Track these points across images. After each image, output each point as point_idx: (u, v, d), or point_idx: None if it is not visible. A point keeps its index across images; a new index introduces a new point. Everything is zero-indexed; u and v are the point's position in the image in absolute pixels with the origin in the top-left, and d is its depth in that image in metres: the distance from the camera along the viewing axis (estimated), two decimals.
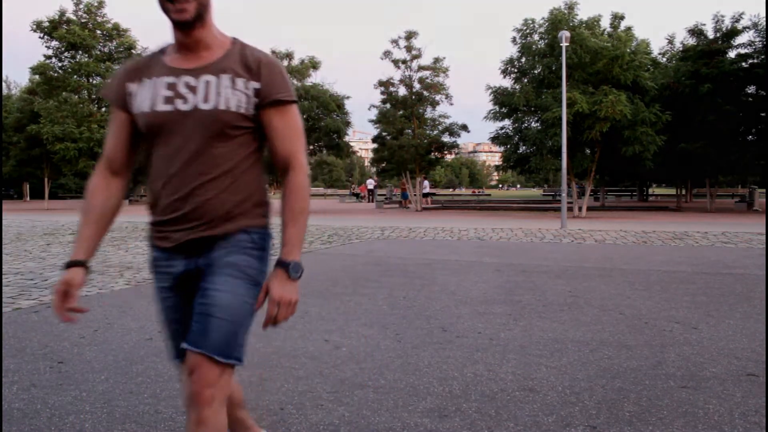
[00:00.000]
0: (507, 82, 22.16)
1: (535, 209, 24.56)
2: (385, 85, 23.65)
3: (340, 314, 4.62)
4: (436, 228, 13.56)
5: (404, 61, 23.21)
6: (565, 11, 19.36)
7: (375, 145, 25.16)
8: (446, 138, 23.84)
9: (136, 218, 15.76)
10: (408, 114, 23.62)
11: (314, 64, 22.77)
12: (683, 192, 30.12)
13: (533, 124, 20.97)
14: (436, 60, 23.30)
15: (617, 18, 20.05)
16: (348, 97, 23.16)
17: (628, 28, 19.69)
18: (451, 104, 23.72)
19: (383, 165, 25.33)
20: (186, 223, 1.53)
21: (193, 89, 1.51)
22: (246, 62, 1.54)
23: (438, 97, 23.40)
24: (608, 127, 17.56)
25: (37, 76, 26.80)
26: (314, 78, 22.91)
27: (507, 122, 21.76)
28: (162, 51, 1.61)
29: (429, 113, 23.91)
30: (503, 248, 9.55)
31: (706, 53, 20.79)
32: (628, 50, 18.05)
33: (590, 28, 19.02)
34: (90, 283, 6.10)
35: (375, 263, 7.70)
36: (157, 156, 1.55)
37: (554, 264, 7.50)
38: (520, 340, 3.86)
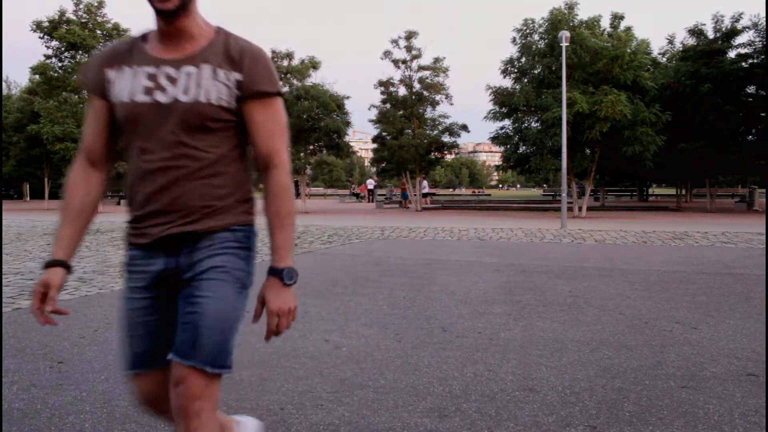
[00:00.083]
0: (507, 82, 22.16)
1: (535, 209, 24.56)
2: (385, 85, 23.65)
3: (340, 314, 4.62)
4: (436, 228, 13.56)
5: (404, 61, 23.21)
6: (565, 11, 19.36)
7: (375, 145, 25.15)
8: (446, 138, 23.83)
9: None
10: (408, 114, 23.62)
11: (314, 64, 22.72)
12: (683, 192, 30.12)
13: (533, 124, 20.97)
14: (436, 60, 23.30)
15: (617, 18, 20.06)
16: (348, 97, 23.12)
17: (628, 28, 19.69)
18: (451, 104, 23.74)
19: (383, 165, 25.31)
20: (164, 216, 1.46)
21: (173, 81, 1.45)
22: (229, 52, 1.47)
23: (438, 97, 23.40)
24: (608, 127, 17.56)
25: (37, 76, 26.79)
26: (314, 78, 22.85)
27: (507, 122, 21.78)
28: (143, 37, 1.53)
29: (429, 113, 23.92)
30: (503, 248, 9.55)
31: (706, 53, 20.80)
32: (628, 50, 18.05)
33: (590, 28, 19.02)
34: (90, 283, 6.10)
35: (375, 263, 7.70)
36: (134, 149, 1.47)
37: (554, 264, 7.50)
38: (520, 340, 3.86)
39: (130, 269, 1.54)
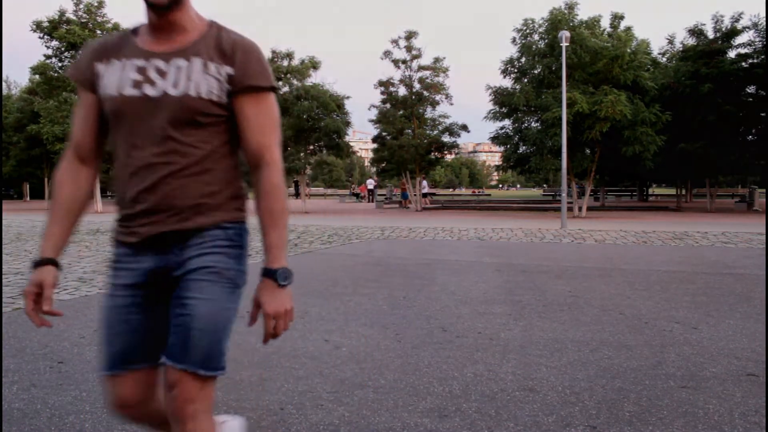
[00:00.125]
0: (507, 82, 22.17)
1: (535, 209, 24.56)
2: (385, 85, 23.66)
3: (340, 314, 4.62)
4: (436, 228, 13.56)
5: (404, 61, 23.22)
6: (565, 11, 19.36)
7: (375, 145, 25.16)
8: (446, 138, 23.84)
9: None
10: (408, 114, 23.62)
11: (314, 64, 22.72)
12: (683, 192, 30.12)
13: (533, 124, 20.98)
14: (436, 60, 23.31)
15: (617, 18, 20.06)
16: (348, 97, 23.13)
17: (628, 28, 19.70)
18: (451, 104, 23.75)
19: (383, 165, 25.32)
20: (153, 215, 1.42)
21: (162, 74, 1.41)
22: (221, 46, 1.43)
23: (438, 97, 23.41)
24: (608, 127, 17.57)
25: (37, 76, 26.79)
26: (314, 78, 22.86)
27: (507, 122, 21.78)
28: (134, 31, 1.50)
29: (429, 113, 23.93)
30: (503, 248, 9.55)
31: (706, 53, 20.81)
32: (628, 50, 18.06)
33: (590, 28, 19.02)
34: (90, 283, 6.10)
35: (375, 263, 7.69)
36: (123, 144, 1.43)
37: (554, 264, 7.50)
38: (520, 340, 3.86)
39: (116, 266, 1.50)
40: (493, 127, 62.82)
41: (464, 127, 23.81)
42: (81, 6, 25.31)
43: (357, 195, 42.08)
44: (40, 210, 25.02)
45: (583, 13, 21.43)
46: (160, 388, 1.51)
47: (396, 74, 27.20)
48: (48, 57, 25.23)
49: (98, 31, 25.36)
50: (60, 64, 25.39)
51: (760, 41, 20.39)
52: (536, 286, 5.92)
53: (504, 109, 20.86)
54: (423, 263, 7.65)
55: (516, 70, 20.92)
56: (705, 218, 17.20)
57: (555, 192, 36.76)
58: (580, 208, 19.36)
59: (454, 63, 24.65)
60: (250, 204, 1.52)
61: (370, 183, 37.85)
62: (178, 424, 1.39)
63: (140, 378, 1.50)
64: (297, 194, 37.30)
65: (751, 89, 21.34)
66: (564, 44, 15.08)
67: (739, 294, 5.42)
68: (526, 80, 20.79)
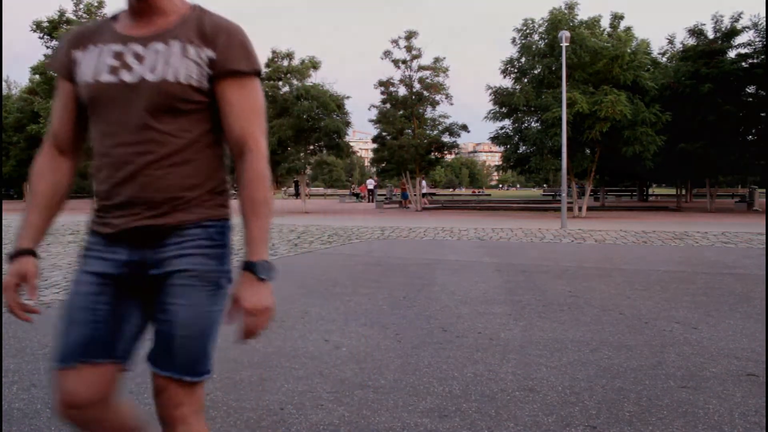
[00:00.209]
0: (507, 82, 22.17)
1: (535, 209, 24.56)
2: (385, 85, 23.66)
3: (340, 314, 4.63)
4: (436, 228, 13.56)
5: (404, 61, 23.22)
6: (565, 11, 19.36)
7: (375, 145, 25.16)
8: (446, 138, 23.85)
9: None
10: (408, 114, 23.62)
11: (314, 64, 22.73)
12: (683, 192, 30.11)
13: (533, 124, 20.98)
14: (436, 60, 23.32)
15: (617, 18, 20.06)
16: (348, 97, 23.13)
17: (628, 28, 19.70)
18: (451, 104, 23.75)
19: (383, 165, 25.32)
20: (129, 208, 1.34)
21: (140, 58, 1.34)
22: (202, 29, 1.36)
23: (438, 97, 23.41)
24: (608, 127, 17.57)
25: (37, 76, 26.82)
26: (314, 78, 22.86)
27: (507, 122, 21.78)
28: (114, 17, 1.44)
29: (429, 113, 23.93)
30: (503, 248, 9.55)
31: (706, 53, 20.81)
32: (628, 50, 18.06)
33: (590, 28, 19.02)
34: None
35: (375, 263, 7.70)
36: (99, 133, 1.37)
37: (554, 264, 7.50)
38: (520, 340, 3.86)
39: (88, 253, 1.42)
40: (493, 127, 62.82)
41: (464, 127, 23.81)
42: (81, 6, 25.32)
43: (357, 195, 42.07)
44: None
45: (583, 13, 21.45)
46: (118, 397, 1.43)
47: (396, 74, 27.21)
48: (48, 57, 25.24)
49: None
50: None
51: (760, 41, 20.39)
52: (536, 286, 5.93)
53: (504, 109, 20.86)
54: (423, 263, 7.65)
55: (516, 70, 20.92)
56: (705, 218, 17.20)
57: (555, 192, 36.74)
58: (580, 208, 19.36)
59: (454, 63, 24.68)
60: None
61: (370, 183, 37.83)
62: (168, 429, 1.38)
63: (96, 374, 1.37)
64: (297, 194, 37.32)
65: (751, 89, 21.35)
66: (564, 44, 15.08)
67: (739, 294, 5.42)
68: (526, 80, 20.79)
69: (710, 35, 21.55)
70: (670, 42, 25.39)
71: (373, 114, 24.14)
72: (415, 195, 24.75)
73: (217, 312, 1.40)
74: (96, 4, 25.54)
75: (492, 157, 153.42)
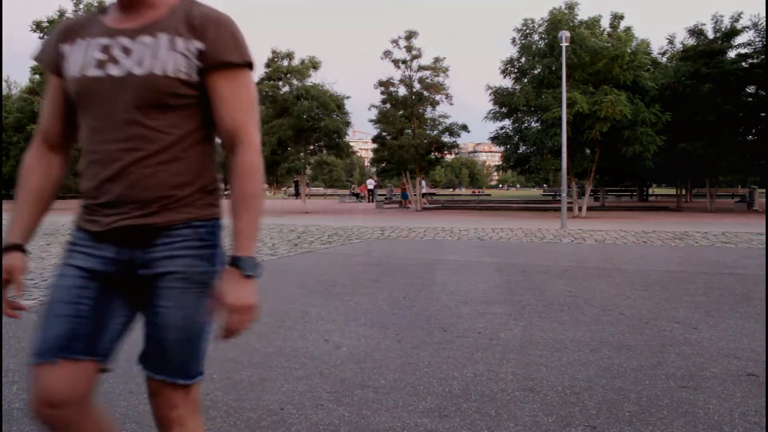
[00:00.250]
0: (507, 82, 22.18)
1: (535, 209, 24.56)
2: (385, 85, 23.66)
3: (340, 314, 4.63)
4: (436, 228, 13.56)
5: (404, 61, 23.23)
6: (566, 11, 19.37)
7: (375, 145, 25.16)
8: (446, 138, 23.85)
9: None
10: (408, 114, 23.63)
11: (314, 64, 22.72)
12: (683, 192, 30.12)
13: (533, 124, 20.98)
14: (436, 60, 23.32)
15: (617, 18, 20.06)
16: (348, 97, 23.13)
17: (628, 28, 19.70)
18: (451, 104, 23.75)
19: (383, 165, 25.32)
20: (117, 207, 1.31)
21: (128, 52, 1.30)
22: (190, 20, 1.32)
23: (438, 97, 23.42)
24: (608, 127, 17.57)
25: (37, 76, 26.81)
26: (314, 78, 22.86)
27: (507, 122, 21.79)
28: (103, 10, 1.41)
29: (429, 113, 23.94)
30: (503, 248, 9.55)
31: (706, 53, 20.81)
32: (628, 50, 18.06)
33: (590, 28, 19.02)
34: None
35: (375, 263, 7.70)
36: (87, 129, 1.34)
37: (554, 264, 7.50)
38: (520, 340, 3.86)
39: (74, 248, 1.38)
40: (493, 127, 62.82)
41: (464, 127, 23.82)
42: (81, 6, 25.32)
43: (357, 195, 42.07)
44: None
45: (583, 13, 21.41)
46: (95, 400, 1.39)
47: (396, 74, 27.22)
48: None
49: None
50: None
51: (760, 41, 20.40)
52: (536, 286, 5.93)
53: (504, 109, 20.86)
54: (423, 263, 7.65)
55: (516, 70, 20.92)
56: (705, 218, 17.20)
57: (555, 192, 36.74)
58: (580, 208, 19.36)
59: (454, 63, 24.67)
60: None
61: (370, 183, 37.83)
62: (164, 430, 1.38)
63: (76, 371, 1.31)
64: (297, 194, 37.31)
65: (751, 89, 21.35)
66: (564, 44, 15.08)
67: (739, 294, 5.42)
68: (526, 80, 20.79)
69: (710, 35, 21.55)
70: (670, 42, 25.40)
71: (373, 114, 24.18)
72: (415, 195, 24.76)
73: (206, 315, 1.37)
74: (96, 4, 25.53)
75: (492, 157, 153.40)
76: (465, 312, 4.70)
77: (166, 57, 1.29)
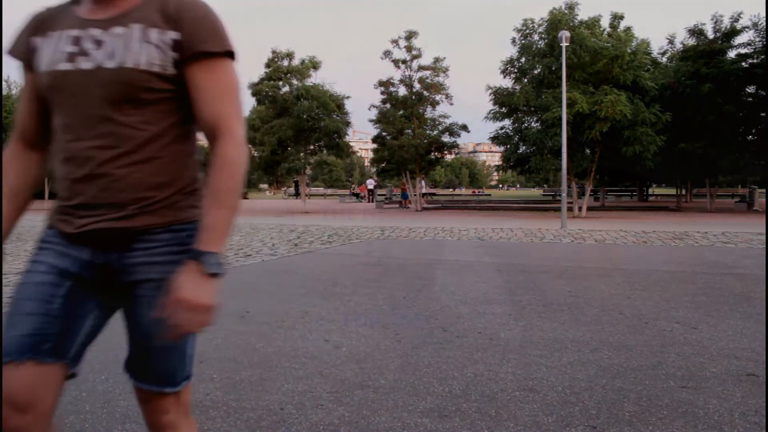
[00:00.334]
0: (507, 82, 22.18)
1: (535, 209, 24.56)
2: (385, 85, 23.67)
3: (340, 314, 4.62)
4: (436, 228, 13.56)
5: (404, 61, 23.23)
6: (566, 11, 19.37)
7: (375, 145, 25.17)
8: (446, 138, 23.86)
9: None
10: (408, 114, 23.63)
11: (315, 64, 22.72)
12: (683, 192, 30.12)
13: (533, 124, 20.98)
14: (436, 60, 23.32)
15: (617, 18, 20.06)
16: (348, 97, 23.13)
17: (628, 28, 19.70)
18: (451, 104, 23.76)
19: (383, 165, 25.33)
20: (91, 209, 1.24)
21: (99, 44, 1.23)
22: (165, 9, 1.24)
23: (438, 97, 23.42)
24: (608, 127, 17.57)
25: None
26: (314, 78, 22.86)
27: (507, 122, 21.79)
28: (76, 0, 1.33)
29: (429, 113, 23.94)
30: (503, 248, 9.55)
31: (706, 53, 20.82)
32: (628, 50, 18.07)
33: (590, 28, 19.02)
34: None
35: (375, 263, 7.69)
36: (59, 126, 1.27)
37: (554, 264, 7.50)
38: (520, 340, 3.86)
39: (46, 246, 1.31)
40: (493, 127, 62.83)
41: (464, 127, 23.83)
42: None
43: (357, 195, 42.07)
44: (41, 210, 25.01)
45: (583, 13, 21.40)
46: (57, 410, 1.33)
47: (396, 74, 27.22)
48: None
49: None
50: None
51: (760, 41, 20.40)
52: (536, 286, 5.93)
53: (504, 109, 20.86)
54: (423, 263, 7.65)
55: (516, 70, 20.92)
56: (705, 218, 17.20)
57: (555, 192, 36.75)
58: (580, 208, 19.36)
59: (454, 63, 24.68)
60: None
61: (370, 183, 37.84)
62: None
63: (43, 374, 1.23)
64: (297, 194, 37.30)
65: (751, 89, 21.35)
66: (564, 44, 15.08)
67: (739, 294, 5.42)
68: (526, 80, 20.79)
69: (710, 35, 21.55)
70: (670, 42, 25.40)
71: (373, 114, 24.19)
72: (415, 195, 24.76)
73: None
74: None
75: (492, 157, 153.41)
76: (465, 312, 4.70)
77: (139, 49, 1.22)
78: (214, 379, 3.08)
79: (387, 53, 23.26)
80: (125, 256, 1.27)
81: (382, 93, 23.95)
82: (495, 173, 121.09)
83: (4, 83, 52.52)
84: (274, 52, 22.69)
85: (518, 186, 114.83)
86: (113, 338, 4.08)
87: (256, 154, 24.65)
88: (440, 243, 10.41)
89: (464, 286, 5.88)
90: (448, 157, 36.66)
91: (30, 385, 1.22)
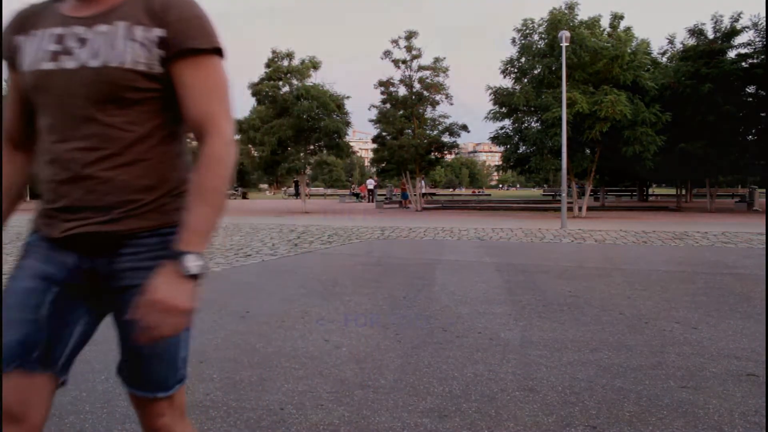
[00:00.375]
0: (507, 82, 22.18)
1: (535, 209, 24.56)
2: (385, 85, 23.66)
3: (340, 314, 4.62)
4: (436, 228, 13.56)
5: (404, 61, 23.23)
6: (565, 11, 19.37)
7: (375, 145, 25.17)
8: (446, 138, 23.86)
9: None
10: (408, 114, 23.63)
11: (314, 64, 22.71)
12: (683, 192, 30.12)
13: (533, 124, 20.98)
14: (436, 60, 23.32)
15: (617, 18, 20.06)
16: (348, 97, 23.14)
17: (628, 28, 19.69)
18: (451, 104, 23.75)
19: (383, 165, 25.33)
20: (76, 213, 1.21)
21: (83, 42, 1.20)
22: (150, 5, 1.21)
23: (438, 97, 23.42)
24: (608, 127, 17.57)
25: None
26: (314, 78, 22.86)
27: (507, 122, 21.78)
28: None
29: (429, 113, 23.95)
30: (503, 248, 9.55)
31: (706, 53, 20.82)
32: (628, 50, 18.07)
33: (590, 28, 19.02)
34: None
35: (375, 263, 7.69)
36: (43, 127, 1.23)
37: (554, 264, 7.50)
38: (520, 340, 3.86)
39: (31, 251, 1.28)
40: (493, 127, 62.88)
41: (464, 127, 23.83)
42: None
43: (357, 195, 42.07)
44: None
45: (583, 13, 21.40)
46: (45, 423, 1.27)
47: (396, 74, 27.22)
48: None
49: None
50: None
51: (760, 41, 20.40)
52: (536, 286, 5.92)
53: (504, 109, 20.86)
54: (423, 263, 7.65)
55: (516, 70, 20.91)
56: (705, 218, 17.20)
57: (555, 192, 36.74)
58: (580, 208, 19.35)
59: (454, 63, 24.68)
60: None
61: (370, 183, 37.84)
62: None
63: (32, 384, 1.21)
64: (297, 194, 37.29)
65: (751, 89, 21.35)
66: (564, 44, 15.09)
67: (739, 294, 5.42)
68: (526, 80, 20.79)
69: (710, 35, 21.55)
70: (670, 42, 25.39)
71: (373, 114, 24.19)
72: (415, 195, 24.76)
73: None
74: None
75: (492, 157, 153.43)
76: (465, 312, 4.70)
77: (124, 47, 1.19)
78: (214, 379, 3.08)
79: (387, 53, 23.26)
80: (112, 261, 1.23)
81: (382, 93, 23.96)
82: (495, 173, 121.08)
83: (4, 83, 52.50)
84: (274, 52, 22.69)
85: (518, 186, 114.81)
86: (113, 338, 4.07)
87: (256, 154, 24.64)
88: (440, 243, 10.41)
89: (464, 286, 5.88)
90: (448, 157, 36.68)
91: (22, 395, 1.20)
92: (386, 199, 32.91)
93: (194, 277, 1.15)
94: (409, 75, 23.46)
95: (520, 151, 21.85)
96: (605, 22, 20.01)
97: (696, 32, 21.82)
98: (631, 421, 2.54)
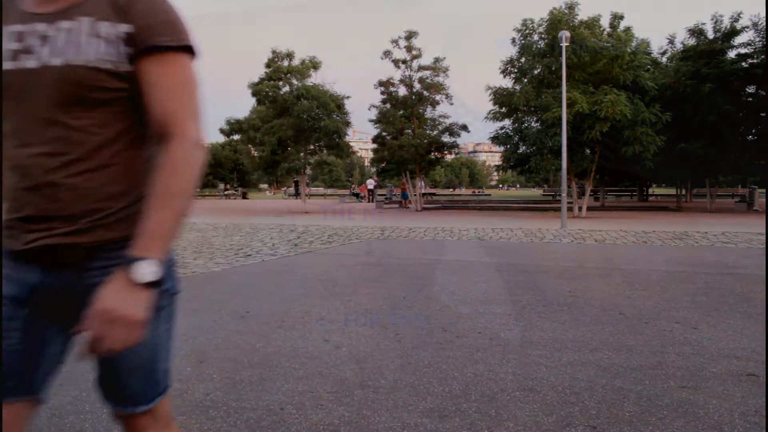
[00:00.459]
0: (507, 82, 22.19)
1: (535, 209, 24.56)
2: (385, 85, 23.66)
3: (340, 314, 4.62)
4: (436, 228, 13.56)
5: (404, 61, 23.23)
6: (565, 11, 19.37)
7: (375, 145, 25.17)
8: (446, 138, 23.86)
9: None
10: (408, 114, 23.64)
11: (314, 64, 22.72)
12: (683, 192, 30.12)
13: (533, 124, 20.98)
14: (436, 60, 23.33)
15: (617, 18, 20.06)
16: (348, 97, 23.15)
17: (628, 28, 19.69)
18: (451, 104, 23.75)
19: (383, 165, 25.33)
20: (40, 222, 1.13)
21: (45, 40, 1.12)
22: (116, 0, 1.14)
23: (438, 97, 23.43)
24: (608, 127, 17.57)
25: None
26: (314, 78, 22.87)
27: (507, 122, 21.78)
28: None
29: (429, 113, 23.94)
30: (503, 248, 9.55)
31: (706, 53, 20.82)
32: (628, 50, 18.06)
33: (590, 28, 19.02)
34: None
35: (375, 263, 7.69)
36: (6, 131, 1.15)
37: (554, 264, 7.50)
38: (520, 340, 3.86)
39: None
40: (493, 127, 62.90)
41: (464, 127, 23.83)
42: None
43: (357, 195, 42.07)
44: None
45: (583, 13, 21.31)
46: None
47: (396, 74, 27.24)
48: None
49: None
50: None
51: (760, 41, 20.40)
52: (536, 286, 5.92)
53: (504, 109, 20.85)
54: (423, 263, 7.65)
55: (516, 70, 20.91)
56: (705, 218, 17.19)
57: (555, 192, 36.75)
58: (580, 208, 19.35)
59: (454, 63, 24.68)
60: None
61: (370, 183, 37.83)
62: None
63: (10, 414, 1.16)
64: (297, 194, 37.29)
65: (751, 89, 21.35)
66: (564, 44, 15.09)
67: (739, 294, 5.42)
68: (526, 80, 20.78)
69: (710, 35, 21.56)
70: (671, 42, 25.39)
71: (373, 114, 24.18)
72: (415, 195, 24.76)
73: (163, 332, 1.23)
74: None
75: (492, 157, 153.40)
76: (465, 312, 4.70)
77: (88, 44, 1.11)
78: (214, 379, 3.08)
79: (387, 53, 23.26)
80: (80, 276, 1.15)
81: (382, 93, 23.95)
82: (495, 173, 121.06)
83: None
84: (274, 52, 22.70)
85: (518, 186, 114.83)
86: None
87: (256, 154, 24.63)
88: (440, 243, 10.41)
89: (464, 286, 5.88)
90: (448, 157, 36.65)
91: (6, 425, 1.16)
92: (386, 199, 32.91)
93: (150, 285, 1.07)
94: (409, 75, 23.46)
95: (520, 151, 21.85)
96: (605, 22, 20.01)
97: (696, 32, 21.82)
98: (631, 421, 2.54)
